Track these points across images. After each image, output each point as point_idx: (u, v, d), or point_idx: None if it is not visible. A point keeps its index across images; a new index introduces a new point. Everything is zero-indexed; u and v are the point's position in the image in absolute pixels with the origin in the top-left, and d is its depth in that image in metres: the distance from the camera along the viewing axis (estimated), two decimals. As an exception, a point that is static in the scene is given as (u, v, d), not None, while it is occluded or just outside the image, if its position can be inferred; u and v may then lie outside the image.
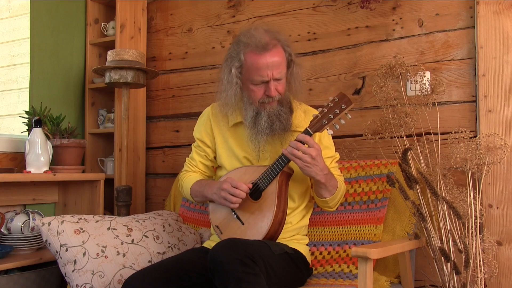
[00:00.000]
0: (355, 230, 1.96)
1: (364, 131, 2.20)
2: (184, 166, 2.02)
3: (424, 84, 2.12)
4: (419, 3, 2.26)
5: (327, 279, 1.86)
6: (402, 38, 2.30)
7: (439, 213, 1.87)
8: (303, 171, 1.67)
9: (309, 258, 1.87)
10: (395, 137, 2.09)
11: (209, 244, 1.91)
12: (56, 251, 1.81)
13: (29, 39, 2.67)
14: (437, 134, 2.10)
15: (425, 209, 1.87)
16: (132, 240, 1.94)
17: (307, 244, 1.91)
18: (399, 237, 1.94)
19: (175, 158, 2.92)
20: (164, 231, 2.08)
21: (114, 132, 2.78)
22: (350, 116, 1.67)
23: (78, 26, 2.91)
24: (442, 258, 1.77)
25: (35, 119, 2.38)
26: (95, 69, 2.68)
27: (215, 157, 1.94)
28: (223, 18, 2.79)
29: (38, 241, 2.34)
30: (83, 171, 2.67)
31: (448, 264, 1.77)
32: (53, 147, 2.45)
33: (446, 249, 1.74)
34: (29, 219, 2.36)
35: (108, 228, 1.93)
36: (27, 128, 2.52)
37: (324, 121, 1.66)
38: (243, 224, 1.76)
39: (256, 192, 1.75)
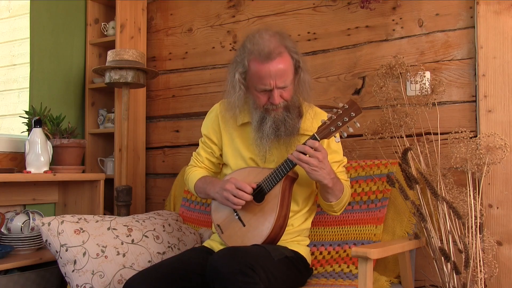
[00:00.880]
0: (355, 230, 1.96)
1: (364, 131, 2.20)
2: (191, 160, 2.00)
3: (424, 84, 2.12)
4: (419, 3, 2.26)
5: (327, 279, 1.86)
6: (402, 38, 2.30)
7: (439, 213, 1.87)
8: (310, 175, 1.65)
9: (309, 259, 1.86)
10: (395, 137, 2.09)
11: (209, 243, 1.91)
12: (56, 251, 1.81)
13: (29, 39, 2.67)
14: (437, 134, 2.10)
15: (425, 209, 1.87)
16: (132, 240, 1.94)
17: (307, 245, 1.91)
18: (399, 237, 1.94)
19: (175, 158, 2.92)
20: (164, 231, 2.08)
21: (114, 132, 2.78)
22: (358, 125, 1.64)
23: (78, 26, 2.91)
24: (442, 258, 1.77)
25: (35, 119, 2.38)
26: (95, 69, 2.68)
27: (221, 155, 1.93)
28: (223, 18, 2.79)
29: (38, 241, 2.34)
30: (83, 171, 2.68)
31: (448, 264, 1.77)
32: (53, 147, 2.45)
33: (446, 249, 1.74)
34: (29, 219, 2.36)
35: (108, 228, 1.93)
36: (27, 128, 2.52)
37: (332, 128, 1.63)
38: (244, 225, 1.76)
39: (259, 194, 1.74)
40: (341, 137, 1.66)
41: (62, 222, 1.85)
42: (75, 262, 1.79)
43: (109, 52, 2.62)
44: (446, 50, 2.21)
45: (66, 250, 1.80)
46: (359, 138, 2.32)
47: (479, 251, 1.84)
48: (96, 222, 1.94)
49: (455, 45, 2.19)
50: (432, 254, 1.85)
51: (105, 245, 1.86)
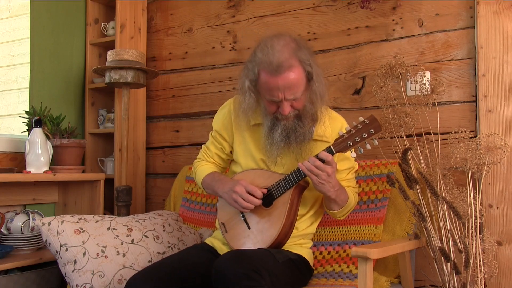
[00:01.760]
0: (355, 230, 1.96)
1: (364, 131, 2.19)
2: (200, 153, 1.98)
3: (424, 84, 2.12)
4: (419, 3, 2.26)
5: (327, 279, 1.86)
6: (402, 38, 2.30)
7: (439, 213, 1.87)
8: (315, 187, 1.65)
9: (311, 261, 1.86)
10: (395, 137, 2.09)
11: (211, 241, 1.90)
12: (56, 251, 1.81)
13: (29, 39, 2.67)
14: (437, 134, 2.10)
15: (425, 209, 1.87)
16: (132, 240, 1.94)
17: (310, 247, 1.90)
18: (399, 237, 1.94)
19: (175, 158, 2.92)
20: (164, 231, 2.08)
21: (114, 132, 2.78)
22: (376, 143, 1.61)
23: (78, 26, 2.91)
24: (442, 258, 1.77)
25: (35, 119, 2.38)
26: (95, 69, 2.68)
27: (231, 152, 1.90)
28: (223, 18, 2.79)
29: (38, 241, 2.34)
30: (83, 171, 2.68)
31: (448, 264, 1.77)
32: (53, 147, 2.45)
33: (446, 249, 1.74)
34: (29, 219, 2.36)
35: (108, 228, 1.93)
36: (27, 128, 2.52)
37: (349, 142, 1.60)
38: (249, 228, 1.75)
39: (268, 199, 1.72)
40: (357, 153, 1.61)
41: (62, 222, 1.85)
42: (75, 262, 1.79)
43: (109, 52, 2.62)
44: (446, 50, 2.21)
45: (66, 250, 1.80)
46: (359, 138, 2.32)
47: (479, 251, 1.84)
48: (96, 222, 1.94)
49: (455, 45, 2.19)
50: (432, 254, 1.85)
51: (105, 245, 1.86)
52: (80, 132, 2.88)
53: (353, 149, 1.62)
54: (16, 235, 2.30)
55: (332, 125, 1.78)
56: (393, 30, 2.32)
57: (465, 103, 2.16)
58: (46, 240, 1.83)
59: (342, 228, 1.99)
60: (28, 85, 2.67)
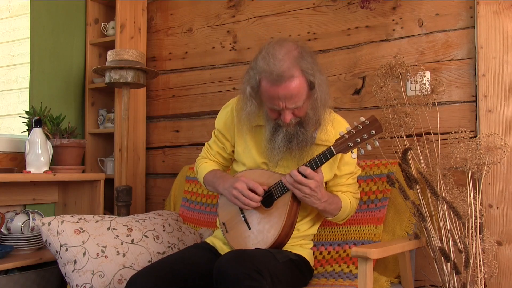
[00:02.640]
0: (355, 230, 1.96)
1: (364, 131, 2.19)
2: (202, 150, 1.98)
3: (424, 84, 2.12)
4: (419, 3, 2.26)
5: (327, 279, 1.86)
6: (402, 38, 2.30)
7: (439, 213, 1.87)
8: (301, 200, 1.68)
9: (312, 261, 1.86)
10: (395, 137, 2.09)
11: (212, 240, 1.90)
12: (56, 251, 1.81)
13: (29, 39, 2.67)
14: (437, 134, 2.10)
15: (425, 209, 1.87)
16: (132, 240, 1.94)
17: (310, 248, 1.90)
18: (399, 237, 1.94)
19: (175, 158, 2.92)
20: (164, 231, 2.08)
21: (114, 132, 2.78)
22: (377, 143, 1.60)
23: (78, 26, 2.91)
24: (442, 258, 1.77)
25: (35, 119, 2.38)
26: (95, 69, 2.68)
27: (233, 151, 1.90)
28: (223, 18, 2.79)
29: (38, 241, 2.34)
30: (83, 171, 2.68)
31: (448, 264, 1.77)
32: (53, 147, 2.45)
33: (446, 249, 1.74)
34: (29, 219, 2.36)
35: (108, 228, 1.93)
36: (27, 128, 2.52)
37: (350, 143, 1.59)
38: (249, 228, 1.75)
39: (268, 200, 1.72)
40: (358, 154, 1.61)
41: (62, 222, 1.85)
42: (75, 262, 1.79)
43: (109, 52, 2.62)
44: (446, 50, 2.21)
45: (66, 250, 1.80)
46: (359, 138, 2.32)
47: (479, 251, 1.84)
48: (96, 222, 1.94)
49: (455, 45, 2.19)
50: (432, 254, 1.85)
51: (105, 245, 1.86)
52: (80, 132, 2.88)
53: (353, 150, 1.61)
54: (16, 235, 2.30)
55: (335, 128, 1.77)
56: (393, 30, 2.32)
57: (465, 103, 2.16)
58: (46, 240, 1.83)
59: (342, 228, 1.99)
60: (28, 85, 2.67)
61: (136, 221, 2.06)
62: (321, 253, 1.98)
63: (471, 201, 1.86)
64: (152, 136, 3.01)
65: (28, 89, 2.66)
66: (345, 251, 1.94)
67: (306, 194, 1.63)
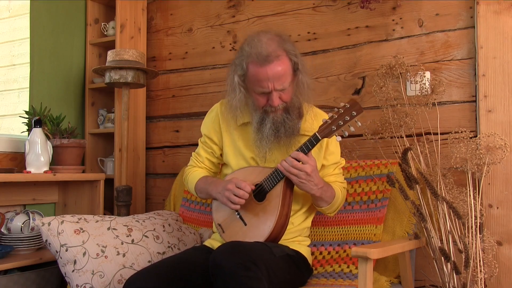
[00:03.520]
0: (355, 230, 1.96)
1: (364, 131, 2.20)
2: (190, 160, 2.00)
3: (424, 84, 2.12)
4: (419, 3, 2.26)
5: (327, 279, 1.86)
6: (402, 38, 2.30)
7: (439, 213, 1.87)
8: (297, 187, 1.70)
9: (310, 259, 1.87)
10: (395, 137, 2.09)
11: (210, 243, 1.91)
12: (56, 251, 1.81)
13: (29, 39, 2.67)
14: (437, 134, 2.10)
15: (425, 209, 1.87)
16: (132, 240, 1.94)
17: (308, 245, 1.91)
18: (399, 237, 1.94)
19: (175, 158, 2.92)
20: (164, 231, 2.08)
21: (114, 132, 2.78)
22: (360, 124, 1.65)
23: (78, 26, 2.91)
24: (442, 258, 1.77)
25: (35, 119, 2.38)
26: (95, 69, 2.68)
27: (221, 155, 1.93)
28: (223, 18, 2.79)
29: (38, 241, 2.34)
30: (83, 171, 2.68)
31: (448, 264, 1.77)
32: (53, 147, 2.45)
33: (446, 249, 1.74)
34: (29, 219, 2.36)
35: (108, 228, 1.93)
36: (27, 128, 2.52)
37: (333, 127, 1.64)
38: (245, 224, 1.76)
39: (260, 193, 1.74)
40: (342, 136, 1.66)
41: (62, 222, 1.85)
42: (75, 262, 1.79)
43: (109, 52, 2.62)
44: (446, 50, 2.21)
45: (66, 250, 1.80)
46: (359, 138, 2.32)
47: (479, 251, 1.84)
48: (96, 222, 1.94)
49: (455, 45, 2.19)
50: (432, 254, 1.85)
51: (105, 245, 1.86)
52: (80, 132, 2.88)
53: (337, 134, 1.66)
54: (16, 235, 2.30)
55: (317, 120, 1.81)
56: (393, 30, 2.32)
57: (465, 103, 2.16)
58: (46, 240, 1.82)
59: (342, 228, 1.99)
60: (28, 85, 2.67)
61: (136, 221, 2.06)
62: (321, 253, 1.98)
63: (471, 201, 1.86)
64: (152, 136, 3.01)
65: (28, 89, 2.66)
66: (345, 251, 1.94)
67: (303, 179, 1.65)
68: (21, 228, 2.33)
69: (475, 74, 2.13)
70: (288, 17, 2.59)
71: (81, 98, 2.92)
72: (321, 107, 1.98)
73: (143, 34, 2.98)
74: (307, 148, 1.67)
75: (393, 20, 2.32)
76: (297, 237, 1.85)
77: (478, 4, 2.08)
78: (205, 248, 1.88)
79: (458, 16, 2.18)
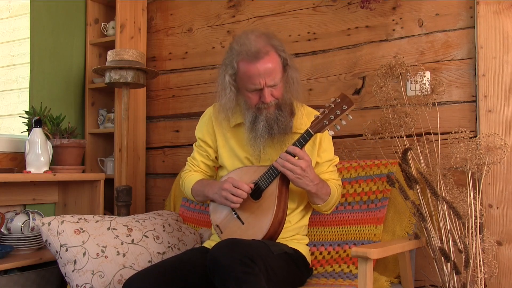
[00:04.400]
0: (355, 230, 1.96)
1: (364, 131, 2.20)
2: (186, 165, 2.02)
3: (424, 84, 2.12)
4: (419, 3, 2.26)
5: (327, 279, 1.86)
6: (402, 38, 2.30)
7: (439, 213, 1.87)
8: (293, 183, 1.70)
9: (309, 258, 1.87)
10: (395, 137, 2.09)
11: (209, 244, 1.91)
12: (56, 251, 1.81)
13: (29, 39, 2.67)
14: (437, 134, 2.10)
15: (425, 209, 1.87)
16: (132, 240, 1.94)
17: (307, 244, 1.91)
18: (399, 237, 1.94)
19: (175, 158, 2.92)
20: (164, 231, 2.08)
21: (114, 132, 2.78)
22: (351, 117, 1.67)
23: (78, 26, 2.91)
24: (442, 258, 1.77)
25: (35, 119, 2.38)
26: (95, 69, 2.68)
27: (216, 157, 1.94)
28: (223, 18, 2.79)
29: (38, 241, 2.34)
30: (83, 171, 2.68)
31: (448, 264, 1.77)
32: (53, 147, 2.45)
33: (446, 249, 1.74)
34: (29, 219, 2.36)
35: (108, 228, 1.93)
36: (27, 128, 2.52)
37: (325, 121, 1.66)
38: (243, 223, 1.76)
39: (256, 192, 1.75)
40: (334, 130, 1.68)
41: (62, 222, 1.85)
42: (75, 262, 1.79)
43: (109, 52, 2.62)
44: (446, 50, 2.21)
45: (66, 250, 1.80)
46: (359, 138, 2.32)
47: (479, 251, 1.84)
48: (96, 222, 1.94)
49: (455, 45, 2.19)
50: (432, 254, 1.85)
51: (105, 245, 1.86)
52: (80, 132, 2.88)
53: (329, 128, 1.67)
54: (16, 235, 2.30)
55: (309, 118, 1.82)
56: (393, 30, 2.32)
57: (465, 103, 2.16)
58: (46, 240, 1.82)
59: (342, 228, 1.99)
60: (28, 85, 2.67)
61: (136, 221, 2.06)
62: (321, 253, 1.98)
63: (471, 201, 1.86)
64: (152, 136, 3.01)
65: (28, 89, 2.66)
66: (345, 251, 1.94)
67: (298, 175, 1.66)
68: (21, 228, 2.33)
69: (475, 74, 2.13)
70: (288, 17, 2.59)
71: (81, 98, 2.92)
72: (321, 107, 1.98)
73: (143, 34, 2.98)
74: (300, 144, 1.68)
75: (393, 20, 2.32)
76: (295, 235, 1.86)
77: (478, 4, 2.08)
78: (205, 249, 1.87)
79: (458, 16, 2.18)
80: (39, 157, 2.34)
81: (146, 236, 1.99)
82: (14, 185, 2.46)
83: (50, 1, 2.74)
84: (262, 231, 1.70)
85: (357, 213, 1.98)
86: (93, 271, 1.79)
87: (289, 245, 1.79)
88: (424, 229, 1.83)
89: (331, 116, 1.66)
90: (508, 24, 2.04)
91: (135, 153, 2.90)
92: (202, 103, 2.83)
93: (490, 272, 1.88)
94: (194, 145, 2.00)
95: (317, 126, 1.67)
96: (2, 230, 2.30)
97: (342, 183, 1.98)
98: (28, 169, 2.34)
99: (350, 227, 1.98)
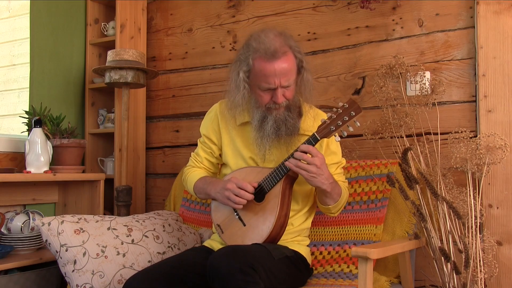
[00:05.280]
0: (355, 230, 1.96)
1: (364, 131, 2.20)
2: (189, 160, 1.99)
3: (424, 84, 2.12)
4: (419, 3, 2.26)
5: (327, 279, 1.86)
6: (402, 38, 2.30)
7: (439, 213, 1.87)
8: (309, 182, 1.66)
9: (309, 259, 1.86)
10: (395, 137, 2.09)
11: (210, 243, 1.91)
12: (56, 251, 1.81)
13: (29, 39, 2.67)
14: (437, 134, 2.10)
15: (425, 209, 1.87)
16: (132, 240, 1.94)
17: (307, 245, 1.91)
18: (399, 237, 1.94)
19: (175, 158, 2.92)
20: (164, 231, 2.08)
21: (114, 132, 2.78)
22: (358, 124, 1.64)
23: (78, 26, 2.91)
24: (442, 258, 1.77)
25: (35, 119, 2.38)
26: (95, 69, 2.68)
27: (220, 155, 1.92)
28: (223, 18, 2.79)
29: (38, 241, 2.34)
30: (83, 171, 2.68)
31: (448, 264, 1.77)
32: (53, 147, 2.45)
33: (446, 249, 1.74)
34: (29, 219, 2.36)
35: (108, 228, 1.93)
36: (27, 128, 2.52)
37: (332, 127, 1.63)
38: (244, 225, 1.76)
39: (259, 194, 1.74)
40: (341, 136, 1.65)
41: (62, 222, 1.85)
42: (75, 262, 1.79)
43: (109, 52, 2.62)
44: (446, 50, 2.21)
45: (66, 250, 1.80)
46: (359, 138, 2.32)
47: (479, 251, 1.84)
48: (96, 222, 1.94)
49: (455, 45, 2.19)
50: (432, 254, 1.85)
51: (105, 245, 1.86)
52: (80, 132, 2.88)
53: (336, 133, 1.65)
54: (16, 235, 2.30)
55: (317, 120, 1.80)
56: (393, 30, 2.32)
57: (465, 103, 2.16)
58: (46, 240, 1.83)
59: (342, 228, 1.99)
60: (28, 85, 2.67)
61: (136, 221, 2.06)
62: (321, 253, 1.98)
63: (471, 201, 1.86)
64: (152, 136, 3.01)
65: (28, 89, 2.66)
66: (345, 251, 1.94)
67: (313, 173, 1.62)
68: (21, 228, 2.33)
69: (475, 74, 2.13)
70: (288, 17, 2.59)
71: (81, 98, 2.92)
72: (321, 107, 1.98)
73: (143, 34, 2.98)
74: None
75: (393, 20, 2.32)
76: (297, 237, 1.85)
77: (478, 4, 2.08)
78: (205, 248, 1.87)
79: (458, 16, 2.18)
80: (39, 157, 2.34)
81: (146, 236, 1.99)
82: (14, 185, 2.46)
83: (50, 1, 2.74)
84: (264, 234, 1.70)
85: (357, 213, 1.98)
86: (93, 271, 1.79)
87: (290, 247, 1.78)
88: (424, 229, 1.84)
89: (339, 122, 1.63)
90: (508, 24, 2.04)
91: (135, 153, 2.90)
92: (202, 103, 2.83)
93: (490, 272, 1.88)
94: (198, 140, 1.98)
95: (324, 132, 1.65)
96: (2, 230, 2.30)
97: (344, 183, 1.97)
98: (28, 169, 2.34)
99: (350, 227, 1.98)
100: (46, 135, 2.43)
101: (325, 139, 1.71)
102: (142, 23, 2.98)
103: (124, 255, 1.88)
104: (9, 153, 2.52)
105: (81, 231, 1.86)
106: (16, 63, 2.93)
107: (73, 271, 1.79)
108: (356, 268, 1.83)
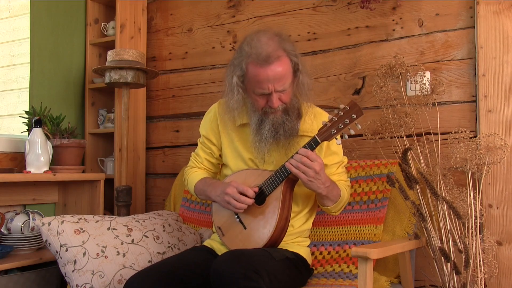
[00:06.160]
0: (355, 230, 1.96)
1: (364, 131, 2.20)
2: (190, 160, 1.99)
3: (424, 84, 2.12)
4: (419, 3, 2.26)
5: (327, 279, 1.86)
6: (402, 38, 2.30)
7: (439, 213, 1.87)
8: (305, 185, 1.66)
9: (309, 259, 1.86)
10: (395, 137, 2.09)
11: (210, 243, 1.91)
12: (56, 251, 1.81)
13: (29, 39, 2.67)
14: (437, 134, 2.10)
15: (425, 209, 1.87)
16: (132, 240, 1.94)
17: (308, 245, 1.90)
18: (399, 237, 1.94)
19: (175, 158, 2.92)
20: (164, 231, 2.08)
21: (114, 132, 2.78)
22: (360, 127, 1.63)
23: (78, 26, 2.91)
24: (442, 258, 1.77)
25: (35, 119, 2.38)
26: (95, 69, 2.68)
27: (220, 155, 1.92)
28: (223, 18, 2.79)
29: (38, 241, 2.34)
30: (83, 171, 2.68)
31: (448, 264, 1.77)
32: (53, 147, 2.45)
33: (446, 249, 1.74)
34: (29, 219, 2.36)
35: (108, 228, 1.93)
36: (27, 128, 2.52)
37: (333, 130, 1.62)
38: (245, 228, 1.75)
39: (260, 197, 1.73)
40: (342, 138, 1.64)
41: (62, 222, 1.85)
42: (75, 262, 1.79)
43: (109, 52, 2.62)
44: (446, 50, 2.21)
45: (66, 250, 1.80)
46: (359, 138, 2.32)
47: (479, 251, 1.84)
48: (96, 222, 1.94)
49: (455, 45, 2.19)
50: (432, 254, 1.85)
51: (105, 245, 1.86)
52: (80, 132, 2.88)
53: (337, 136, 1.64)
54: (16, 235, 2.30)
55: (317, 120, 1.79)
56: (393, 30, 2.32)
57: (465, 103, 2.16)
58: (46, 240, 1.83)
59: (342, 228, 1.99)
60: (28, 85, 2.67)
61: (136, 221, 2.06)
62: (321, 253, 1.98)
63: (471, 201, 1.86)
64: (152, 136, 3.01)
65: (28, 89, 2.66)
66: (345, 251, 1.94)
67: (311, 177, 1.62)
68: (21, 228, 2.33)
69: (475, 74, 2.13)
70: (288, 17, 2.59)
71: (81, 98, 2.92)
72: (321, 107, 1.98)
73: (143, 34, 2.98)
74: (310, 148, 1.65)
75: (393, 20, 2.32)
76: (297, 238, 1.84)
77: (478, 4, 2.08)
78: (205, 248, 1.87)
79: (458, 16, 2.18)
80: (39, 157, 2.34)
81: (146, 236, 1.99)
82: (14, 185, 2.46)
83: (50, 1, 2.74)
84: (265, 238, 1.69)
85: (357, 213, 1.98)
86: (93, 271, 1.79)
87: (290, 249, 1.77)
88: (424, 229, 1.83)
89: (340, 124, 1.61)
90: (508, 24, 2.04)
91: (135, 153, 2.90)
92: (202, 103, 2.83)
93: (490, 272, 1.88)
94: (198, 140, 1.97)
95: (325, 134, 1.63)
96: (2, 230, 2.30)
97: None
98: (28, 169, 2.34)
99: (350, 227, 1.98)
100: (46, 135, 2.43)
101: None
102: (142, 23, 2.98)
103: (124, 255, 1.88)
104: (9, 153, 2.52)
105: (81, 231, 1.86)
106: (16, 63, 2.93)
107: (73, 271, 1.79)
108: (356, 268, 1.83)
